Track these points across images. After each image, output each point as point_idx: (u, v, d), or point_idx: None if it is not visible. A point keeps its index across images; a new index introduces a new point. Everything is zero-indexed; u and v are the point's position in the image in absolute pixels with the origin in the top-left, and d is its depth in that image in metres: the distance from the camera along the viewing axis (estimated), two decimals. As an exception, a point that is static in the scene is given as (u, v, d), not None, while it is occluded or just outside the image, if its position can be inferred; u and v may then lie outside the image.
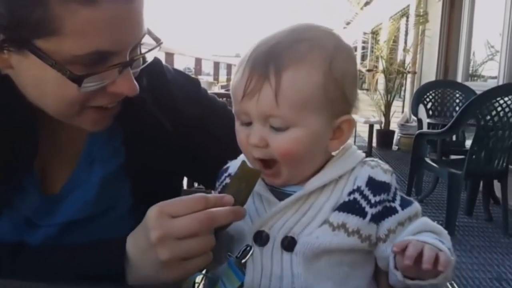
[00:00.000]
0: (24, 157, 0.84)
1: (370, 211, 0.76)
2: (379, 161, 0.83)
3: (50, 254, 0.81)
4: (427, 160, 4.10)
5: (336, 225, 0.76)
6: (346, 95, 0.79)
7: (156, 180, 0.90)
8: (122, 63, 0.77)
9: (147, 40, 0.83)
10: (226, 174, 0.90)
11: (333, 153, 0.83)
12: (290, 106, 0.74)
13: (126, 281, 0.76)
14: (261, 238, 0.78)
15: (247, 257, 0.76)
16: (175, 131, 0.96)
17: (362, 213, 0.76)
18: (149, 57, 0.87)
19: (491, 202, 4.18)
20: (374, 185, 0.78)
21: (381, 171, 0.80)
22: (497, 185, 3.92)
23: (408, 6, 9.08)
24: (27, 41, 0.72)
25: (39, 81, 0.76)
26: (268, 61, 0.74)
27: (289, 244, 0.77)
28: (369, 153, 6.51)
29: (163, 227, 0.71)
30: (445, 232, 0.80)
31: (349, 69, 0.80)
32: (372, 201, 0.77)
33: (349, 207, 0.77)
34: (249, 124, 0.78)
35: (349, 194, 0.78)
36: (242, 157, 0.85)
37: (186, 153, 0.98)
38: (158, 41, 0.85)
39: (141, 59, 0.85)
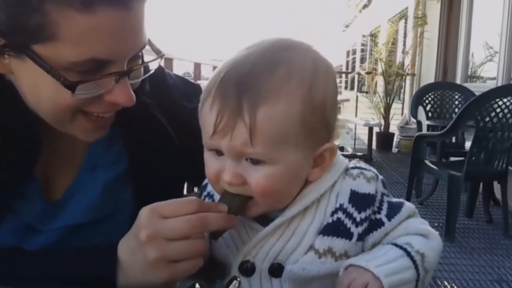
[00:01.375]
0: (26, 163, 0.85)
1: (356, 230, 0.72)
2: (363, 166, 0.77)
3: (44, 259, 0.80)
4: (427, 162, 4.09)
5: (322, 251, 0.72)
6: (327, 122, 0.73)
7: (158, 185, 0.90)
8: (118, 72, 0.76)
9: (148, 50, 0.83)
10: (205, 193, 0.86)
11: None
12: (266, 143, 0.67)
13: (117, 284, 0.75)
14: (246, 268, 0.75)
15: None
16: (177, 136, 0.97)
17: (348, 235, 0.72)
18: (151, 68, 0.87)
19: (491, 204, 4.18)
20: (358, 200, 0.73)
21: (364, 180, 0.74)
22: (497, 186, 3.92)
23: (407, 8, 9.09)
24: (25, 46, 0.72)
25: (35, 86, 0.77)
26: (241, 94, 0.67)
27: (276, 270, 0.74)
28: (369, 156, 6.54)
29: (153, 227, 0.70)
30: (433, 233, 0.76)
31: (329, 91, 0.73)
32: (358, 219, 0.72)
33: (334, 229, 0.72)
34: (221, 153, 0.71)
35: (332, 214, 0.73)
36: None
37: (187, 158, 0.98)
38: (159, 53, 0.85)
39: (142, 69, 0.85)
